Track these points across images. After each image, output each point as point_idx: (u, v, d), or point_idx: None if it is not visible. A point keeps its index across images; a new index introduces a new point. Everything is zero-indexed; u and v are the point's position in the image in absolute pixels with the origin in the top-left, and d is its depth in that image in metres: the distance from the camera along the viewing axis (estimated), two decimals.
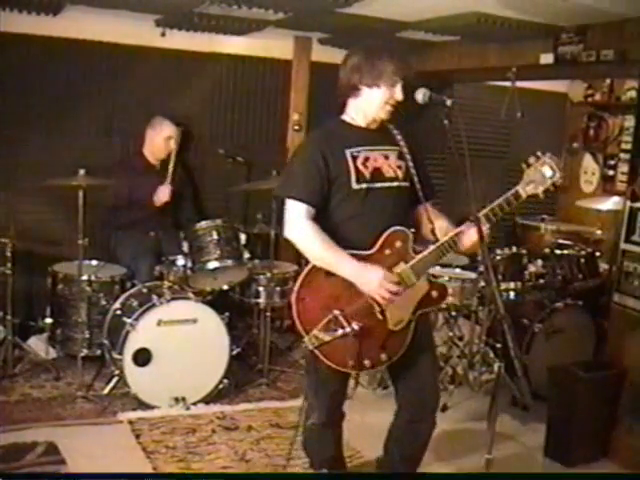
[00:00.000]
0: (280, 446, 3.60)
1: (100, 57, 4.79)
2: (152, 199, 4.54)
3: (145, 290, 4.12)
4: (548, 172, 2.56)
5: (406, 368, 2.71)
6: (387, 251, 2.58)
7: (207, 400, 4.01)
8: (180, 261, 4.15)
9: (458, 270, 4.41)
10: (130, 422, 3.74)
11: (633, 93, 5.80)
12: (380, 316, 2.56)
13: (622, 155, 6.05)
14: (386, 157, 2.66)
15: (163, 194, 4.54)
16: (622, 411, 3.68)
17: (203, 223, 4.19)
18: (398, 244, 2.59)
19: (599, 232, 5.46)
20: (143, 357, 3.85)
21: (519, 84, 4.86)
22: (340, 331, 2.50)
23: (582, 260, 4.63)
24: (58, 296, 4.38)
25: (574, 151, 6.47)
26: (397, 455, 2.90)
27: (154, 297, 3.95)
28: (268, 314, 4.44)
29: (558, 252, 4.61)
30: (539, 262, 4.52)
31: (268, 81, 5.40)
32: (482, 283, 4.31)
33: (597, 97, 6.27)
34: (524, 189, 2.58)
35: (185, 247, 4.15)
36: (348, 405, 2.94)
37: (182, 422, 3.79)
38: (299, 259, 5.14)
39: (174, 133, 4.69)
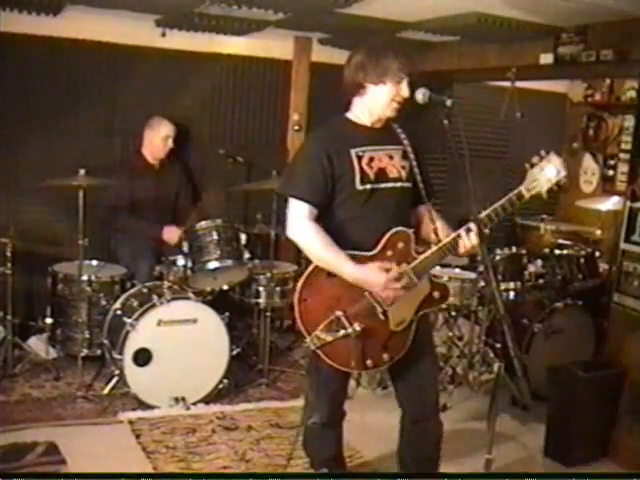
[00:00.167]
0: (280, 446, 3.60)
1: (100, 57, 4.79)
2: (151, 199, 4.54)
3: (145, 290, 4.12)
4: (552, 172, 2.53)
5: (406, 368, 2.71)
6: (389, 252, 2.58)
7: (207, 400, 4.01)
8: (180, 261, 4.14)
9: (458, 270, 4.42)
10: (130, 422, 3.74)
11: (633, 93, 5.80)
12: (382, 317, 2.56)
13: (622, 155, 6.05)
14: (390, 157, 2.65)
15: (172, 235, 4.43)
16: (622, 411, 3.68)
17: (203, 223, 4.19)
18: (400, 245, 2.59)
19: (599, 232, 5.46)
20: (143, 357, 3.85)
21: (519, 84, 4.86)
22: (342, 332, 2.50)
23: (582, 260, 4.64)
24: (58, 296, 4.38)
25: (574, 151, 6.48)
26: (410, 460, 2.89)
27: (154, 297, 3.95)
28: (268, 314, 4.44)
29: (558, 252, 4.62)
30: (539, 262, 4.52)
31: (268, 81, 5.40)
32: (482, 283, 4.31)
33: (597, 97, 6.27)
34: (527, 189, 2.56)
35: (185, 247, 4.15)
36: (348, 405, 2.94)
37: (182, 422, 3.79)
38: (299, 259, 5.18)
39: (172, 132, 4.69)
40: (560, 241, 4.97)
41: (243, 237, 4.24)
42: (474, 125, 5.73)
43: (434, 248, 2.59)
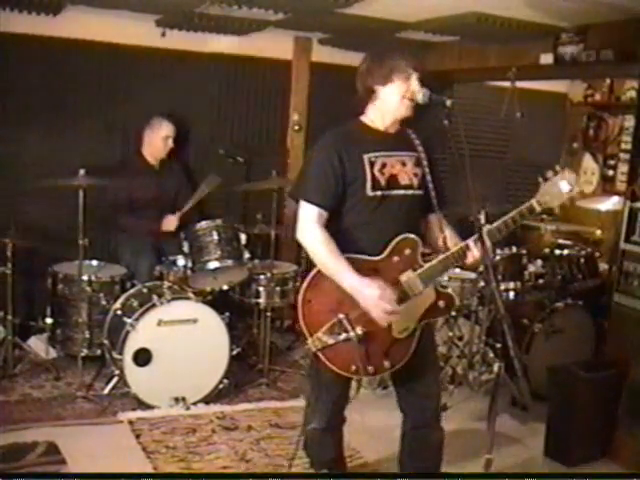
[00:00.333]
0: (280, 446, 3.60)
1: (100, 57, 4.79)
2: (151, 199, 4.54)
3: (145, 290, 4.12)
4: (565, 187, 2.51)
5: (408, 374, 2.69)
6: (395, 258, 2.57)
7: (207, 400, 4.01)
8: (180, 261, 4.15)
9: (458, 270, 4.41)
10: (130, 422, 3.74)
11: (633, 93, 5.80)
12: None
13: (622, 155, 6.05)
14: (403, 164, 2.63)
15: (170, 224, 4.52)
16: (622, 411, 3.67)
17: (203, 223, 4.19)
18: (407, 251, 2.57)
19: (599, 232, 5.46)
20: (143, 357, 3.85)
21: (519, 84, 4.86)
22: (343, 335, 2.49)
23: (582, 260, 4.64)
24: (58, 296, 4.38)
25: (574, 151, 6.47)
26: (410, 466, 2.88)
27: (154, 297, 3.95)
28: (268, 314, 4.44)
29: (558, 252, 4.62)
30: (539, 262, 4.52)
31: (268, 81, 5.40)
32: (482, 283, 4.31)
33: (597, 97, 6.27)
34: (539, 203, 2.54)
35: (185, 247, 4.15)
36: (348, 405, 2.93)
37: (182, 422, 3.79)
38: (299, 259, 5.19)
39: (172, 132, 4.69)
40: (560, 241, 4.96)
41: (243, 237, 4.25)
42: (474, 125, 5.73)
43: (441, 256, 2.58)
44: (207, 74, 5.17)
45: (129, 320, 3.87)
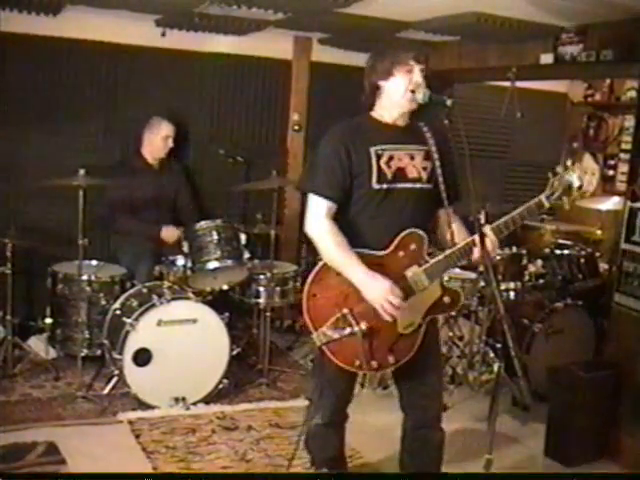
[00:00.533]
0: (280, 446, 3.60)
1: (100, 57, 4.79)
2: (150, 199, 4.55)
3: (145, 290, 4.12)
4: (576, 182, 2.50)
5: (411, 373, 2.69)
6: (401, 253, 2.56)
7: (207, 400, 4.01)
8: (180, 261, 4.15)
9: (458, 270, 4.41)
10: (130, 422, 3.73)
11: (633, 93, 5.80)
12: (389, 318, 2.54)
13: (622, 155, 6.06)
14: (412, 157, 2.61)
15: (171, 235, 4.47)
16: (622, 411, 3.68)
17: (203, 223, 4.19)
18: (412, 246, 2.56)
19: (599, 232, 5.46)
20: (143, 357, 3.85)
21: (519, 84, 4.86)
22: (348, 330, 2.49)
23: (582, 260, 4.64)
24: (58, 296, 4.38)
25: (574, 151, 6.47)
26: (410, 466, 2.87)
27: (154, 297, 3.94)
28: (268, 314, 4.43)
29: (558, 252, 4.62)
30: (539, 262, 4.52)
31: (268, 81, 5.40)
32: (482, 283, 4.31)
33: (597, 97, 6.28)
34: (547, 198, 2.52)
35: (185, 247, 4.15)
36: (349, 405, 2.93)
37: (182, 422, 3.79)
38: (299, 259, 5.19)
39: (172, 132, 4.69)
40: (560, 241, 4.97)
41: (243, 237, 4.25)
42: (474, 125, 5.72)
43: (447, 252, 2.57)
44: (207, 74, 5.17)
45: (129, 320, 3.87)
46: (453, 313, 4.51)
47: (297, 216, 5.22)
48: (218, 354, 4.02)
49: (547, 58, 4.41)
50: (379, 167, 2.55)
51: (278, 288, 4.60)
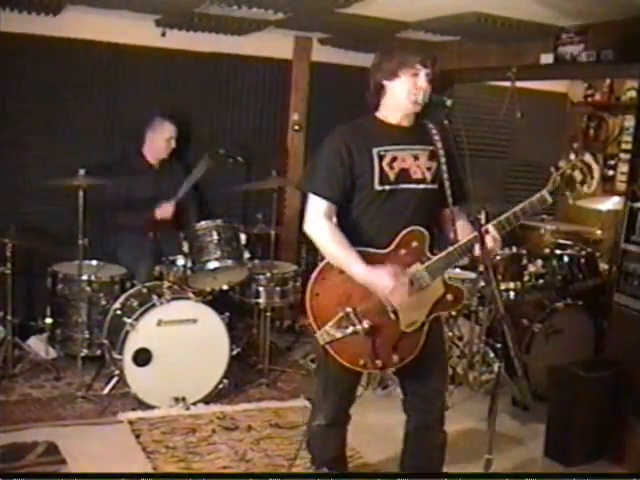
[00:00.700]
0: (280, 446, 3.60)
1: (100, 57, 4.79)
2: (150, 200, 4.54)
3: (145, 290, 4.12)
4: (578, 177, 2.49)
5: (415, 374, 2.68)
6: (403, 251, 2.55)
7: (207, 400, 4.01)
8: (180, 261, 4.15)
9: (458, 270, 4.41)
10: (130, 422, 3.73)
11: (633, 93, 5.80)
12: (392, 316, 2.53)
13: (622, 155, 6.05)
14: (416, 157, 2.60)
15: (166, 211, 4.54)
16: (622, 411, 3.67)
17: (203, 223, 4.20)
18: (414, 244, 2.56)
19: (599, 232, 5.46)
20: (143, 357, 3.85)
21: (519, 84, 4.86)
22: (351, 329, 2.49)
23: (582, 260, 4.64)
24: (58, 296, 4.38)
25: (574, 151, 6.46)
26: (412, 467, 2.87)
27: (154, 297, 3.95)
28: (268, 314, 4.44)
29: (558, 252, 4.62)
30: (539, 262, 4.52)
31: (268, 81, 5.40)
32: (482, 283, 4.31)
33: (597, 97, 6.27)
34: (551, 193, 2.51)
35: (185, 247, 4.15)
36: None
37: (182, 422, 3.79)
38: (299, 259, 5.19)
39: (175, 133, 4.69)
40: (560, 241, 4.97)
41: (243, 237, 4.24)
42: (474, 125, 5.72)
43: (449, 249, 2.56)
44: (207, 74, 5.17)
45: (129, 320, 3.87)
46: (454, 313, 4.51)
47: (297, 216, 5.22)
48: (218, 354, 4.02)
49: (547, 58, 4.41)
50: (381, 168, 2.55)
51: (278, 288, 4.60)
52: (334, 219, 2.59)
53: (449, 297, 2.62)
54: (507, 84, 4.92)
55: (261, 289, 4.59)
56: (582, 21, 4.13)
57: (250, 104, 5.37)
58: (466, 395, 4.32)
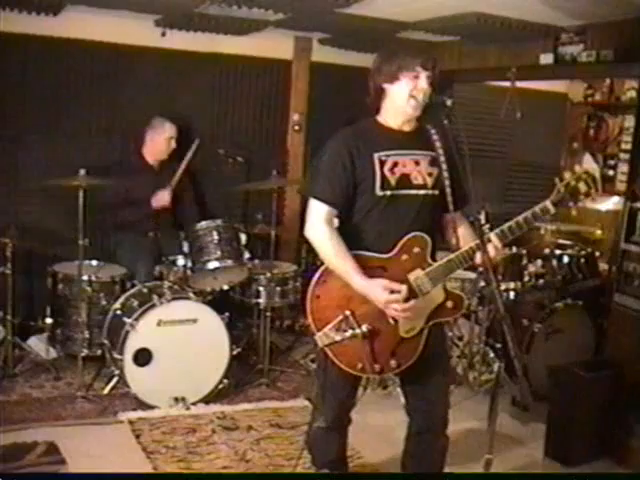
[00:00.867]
0: (280, 446, 3.60)
1: (100, 57, 4.78)
2: (150, 200, 4.54)
3: (145, 290, 4.11)
4: (583, 188, 2.49)
5: (417, 378, 2.68)
6: (404, 256, 2.54)
7: (207, 400, 4.01)
8: (180, 261, 4.15)
9: (458, 270, 4.40)
10: (130, 422, 3.73)
11: (633, 93, 5.80)
12: (392, 321, 2.53)
13: (622, 155, 6.05)
14: (417, 163, 2.59)
15: (162, 198, 4.55)
16: (622, 411, 3.67)
17: (203, 223, 4.20)
18: (416, 250, 2.55)
19: (599, 232, 5.46)
20: (143, 357, 3.85)
21: (519, 84, 4.86)
22: (350, 332, 2.49)
23: (582, 260, 4.64)
24: (58, 296, 4.38)
25: (574, 151, 6.47)
26: (412, 470, 2.86)
27: (154, 297, 3.95)
28: (268, 314, 4.44)
29: (558, 252, 4.61)
30: (539, 262, 4.52)
31: (268, 81, 5.40)
32: (482, 283, 4.31)
33: (597, 97, 6.28)
34: (554, 204, 2.50)
35: (185, 247, 4.15)
36: None
37: (182, 422, 3.79)
38: (299, 259, 5.19)
39: (175, 133, 4.69)
40: (560, 241, 4.96)
41: (243, 237, 4.25)
42: (474, 125, 5.72)
43: (450, 256, 2.55)
44: (207, 74, 5.17)
45: (129, 320, 3.87)
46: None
47: (297, 216, 5.23)
48: (218, 354, 4.02)
49: (547, 58, 4.41)
50: (382, 174, 2.54)
51: (278, 288, 4.60)
52: (335, 223, 2.59)
53: (449, 304, 2.61)
54: (507, 84, 4.92)
55: (261, 289, 4.59)
56: (582, 21, 4.13)
57: (250, 104, 5.37)
58: (466, 395, 4.32)
